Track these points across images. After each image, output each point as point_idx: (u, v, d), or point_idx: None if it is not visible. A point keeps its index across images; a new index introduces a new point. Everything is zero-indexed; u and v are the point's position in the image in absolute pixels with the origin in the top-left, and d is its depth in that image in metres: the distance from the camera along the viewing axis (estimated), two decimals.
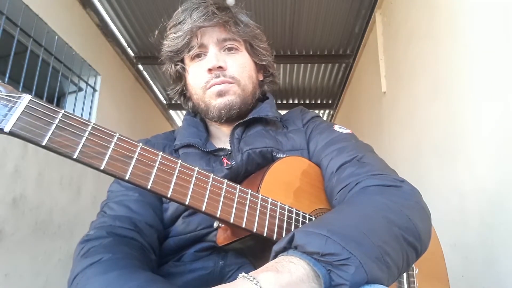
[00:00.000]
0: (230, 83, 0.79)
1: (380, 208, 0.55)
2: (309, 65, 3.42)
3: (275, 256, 0.48)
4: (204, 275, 0.69)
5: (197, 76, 0.81)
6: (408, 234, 0.53)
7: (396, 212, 0.55)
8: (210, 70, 0.78)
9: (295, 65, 3.42)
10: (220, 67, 0.78)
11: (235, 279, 0.43)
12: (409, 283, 0.75)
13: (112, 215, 0.70)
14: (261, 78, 0.90)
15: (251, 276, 0.42)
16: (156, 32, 0.94)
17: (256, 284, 0.41)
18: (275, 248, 0.49)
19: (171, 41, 0.81)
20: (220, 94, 0.78)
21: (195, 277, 0.69)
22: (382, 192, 0.60)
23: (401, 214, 0.55)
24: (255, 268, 0.50)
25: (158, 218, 0.74)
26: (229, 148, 0.80)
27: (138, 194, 0.74)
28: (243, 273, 0.43)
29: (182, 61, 0.84)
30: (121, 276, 0.54)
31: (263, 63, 0.88)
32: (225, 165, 0.76)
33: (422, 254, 0.58)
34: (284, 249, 0.48)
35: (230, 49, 0.81)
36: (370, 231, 0.49)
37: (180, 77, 0.88)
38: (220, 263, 0.70)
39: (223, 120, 0.81)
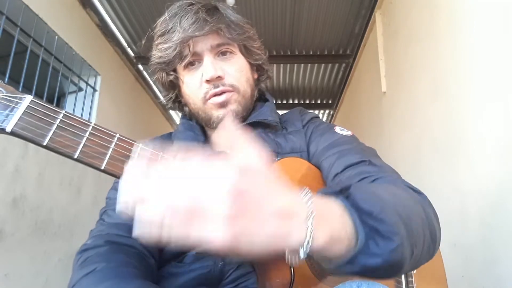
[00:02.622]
0: (230, 91, 0.77)
1: (415, 200, 0.53)
2: (309, 65, 3.41)
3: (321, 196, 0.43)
4: (204, 274, 0.69)
5: (194, 87, 0.78)
6: (432, 238, 0.51)
7: (423, 212, 0.52)
8: (208, 81, 0.75)
9: (295, 65, 3.42)
10: (218, 77, 0.75)
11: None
12: (407, 283, 0.75)
13: (110, 222, 0.70)
14: (256, 76, 0.88)
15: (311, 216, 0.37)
16: (143, 41, 0.89)
17: (311, 233, 0.37)
18: (324, 190, 0.46)
19: (161, 52, 0.76)
20: (222, 105, 0.77)
21: (195, 276, 0.69)
22: (406, 190, 0.57)
23: (428, 216, 0.53)
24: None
25: None
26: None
27: None
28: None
29: (174, 70, 0.81)
30: (113, 286, 0.55)
31: (258, 62, 0.86)
32: None
33: (424, 263, 0.54)
34: (335, 194, 0.45)
35: (224, 53, 0.78)
36: (409, 218, 0.47)
37: (173, 86, 0.84)
38: (220, 262, 0.70)
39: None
